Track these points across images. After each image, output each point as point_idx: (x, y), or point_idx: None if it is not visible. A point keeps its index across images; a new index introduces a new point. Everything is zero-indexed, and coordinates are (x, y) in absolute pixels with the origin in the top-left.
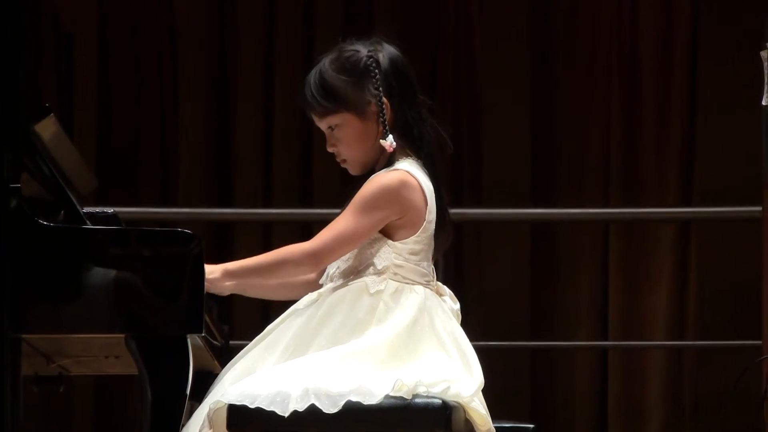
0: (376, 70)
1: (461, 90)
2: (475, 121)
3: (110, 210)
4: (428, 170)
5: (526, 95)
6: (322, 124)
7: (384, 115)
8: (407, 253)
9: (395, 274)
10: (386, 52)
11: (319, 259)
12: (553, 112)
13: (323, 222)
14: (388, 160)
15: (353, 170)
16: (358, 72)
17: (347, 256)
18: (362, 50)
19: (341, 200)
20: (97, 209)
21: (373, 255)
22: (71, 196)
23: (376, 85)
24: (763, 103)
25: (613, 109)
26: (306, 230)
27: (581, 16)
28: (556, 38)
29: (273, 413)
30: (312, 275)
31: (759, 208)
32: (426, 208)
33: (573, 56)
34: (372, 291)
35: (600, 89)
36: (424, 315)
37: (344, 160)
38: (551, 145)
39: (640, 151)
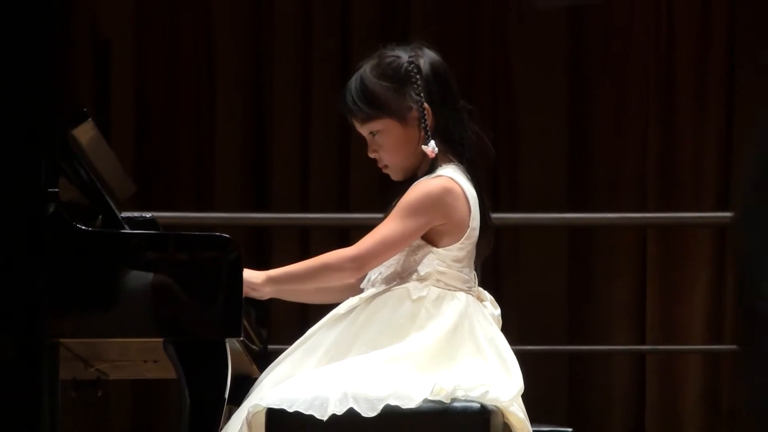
0: (417, 76)
1: (498, 95)
2: (512, 126)
3: (148, 214)
4: (470, 175)
5: (563, 99)
6: (364, 130)
7: (425, 120)
8: (451, 260)
9: (438, 280)
10: (427, 57)
11: (362, 265)
12: (590, 117)
13: (360, 227)
14: (430, 165)
15: (395, 176)
16: (399, 78)
17: (390, 261)
18: (403, 56)
19: (378, 205)
20: (136, 214)
21: (417, 262)
22: (109, 201)
23: (417, 91)
24: None
25: (650, 113)
26: (343, 235)
27: (617, 20)
28: (592, 42)
29: (311, 417)
30: (352, 280)
31: None
32: (470, 215)
33: (609, 60)
34: (414, 297)
35: (636, 93)
36: (464, 322)
37: (386, 166)
38: (588, 149)
39: (677, 156)
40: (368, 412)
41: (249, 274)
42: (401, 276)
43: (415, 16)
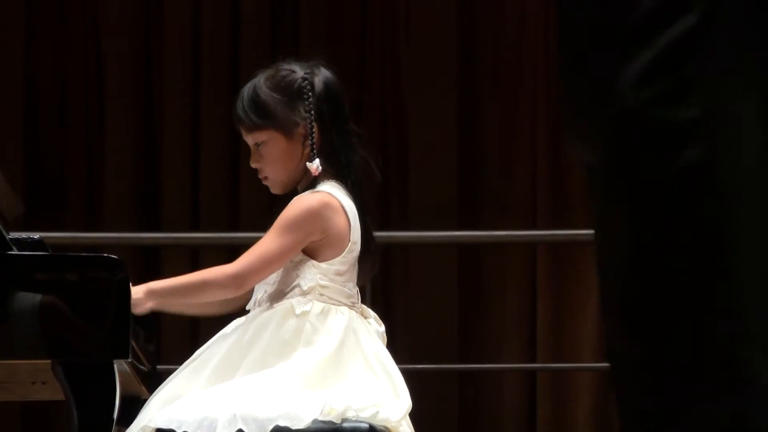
0: (310, 93)
1: (387, 113)
2: (402, 144)
3: (36, 235)
4: (353, 196)
5: (453, 117)
6: (249, 139)
7: (313, 138)
8: (333, 274)
9: (321, 294)
10: (322, 76)
11: (242, 281)
12: (479, 135)
13: (250, 246)
14: (311, 182)
15: (274, 189)
16: (291, 92)
17: (273, 279)
18: (298, 71)
19: (268, 224)
20: (23, 235)
21: (298, 276)
22: None
23: (307, 108)
24: None
25: (538, 131)
26: (233, 254)
27: (507, 38)
28: (482, 60)
29: None
30: (232, 296)
31: None
32: (350, 229)
33: (499, 79)
34: (298, 312)
35: (527, 111)
36: (350, 336)
37: (266, 177)
38: (478, 168)
39: (567, 173)
40: None
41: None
42: (284, 292)
43: (304, 38)
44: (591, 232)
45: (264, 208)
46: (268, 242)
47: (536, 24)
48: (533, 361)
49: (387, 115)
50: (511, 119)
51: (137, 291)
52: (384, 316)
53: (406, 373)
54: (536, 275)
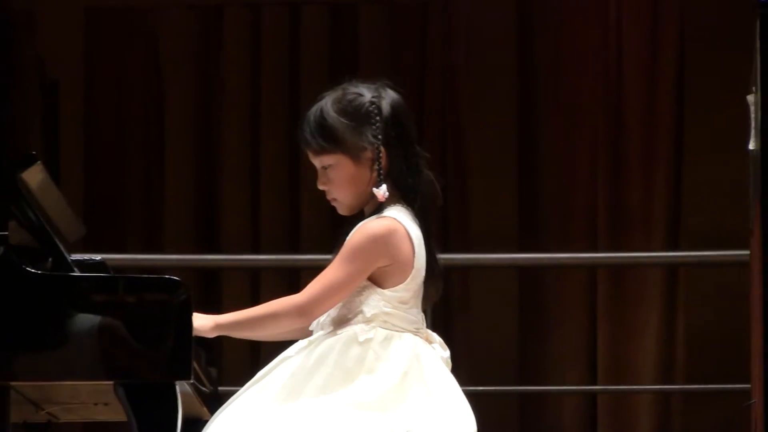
0: (377, 117)
1: (447, 134)
2: (462, 166)
3: (98, 257)
4: (419, 220)
5: (513, 139)
6: (316, 162)
7: (380, 162)
8: (397, 301)
9: (385, 321)
10: (389, 98)
11: (309, 313)
12: (540, 157)
13: (311, 268)
14: (378, 205)
15: (341, 210)
16: (358, 116)
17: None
18: (366, 94)
19: (329, 246)
20: (85, 256)
21: (362, 303)
22: (59, 244)
23: (375, 132)
24: (750, 147)
25: (599, 154)
26: (294, 277)
27: (567, 60)
28: (542, 81)
29: None
30: (300, 326)
31: (746, 252)
32: (414, 256)
33: (559, 101)
34: (361, 339)
35: (586, 133)
36: (414, 364)
37: (334, 199)
38: (538, 189)
39: (627, 196)
40: None
41: (197, 322)
42: (347, 318)
43: (363, 67)
44: (650, 254)
45: (324, 230)
46: (334, 271)
47: (597, 49)
48: (594, 383)
49: (446, 138)
50: (571, 144)
51: (204, 323)
52: (444, 338)
53: (466, 396)
54: (596, 298)
